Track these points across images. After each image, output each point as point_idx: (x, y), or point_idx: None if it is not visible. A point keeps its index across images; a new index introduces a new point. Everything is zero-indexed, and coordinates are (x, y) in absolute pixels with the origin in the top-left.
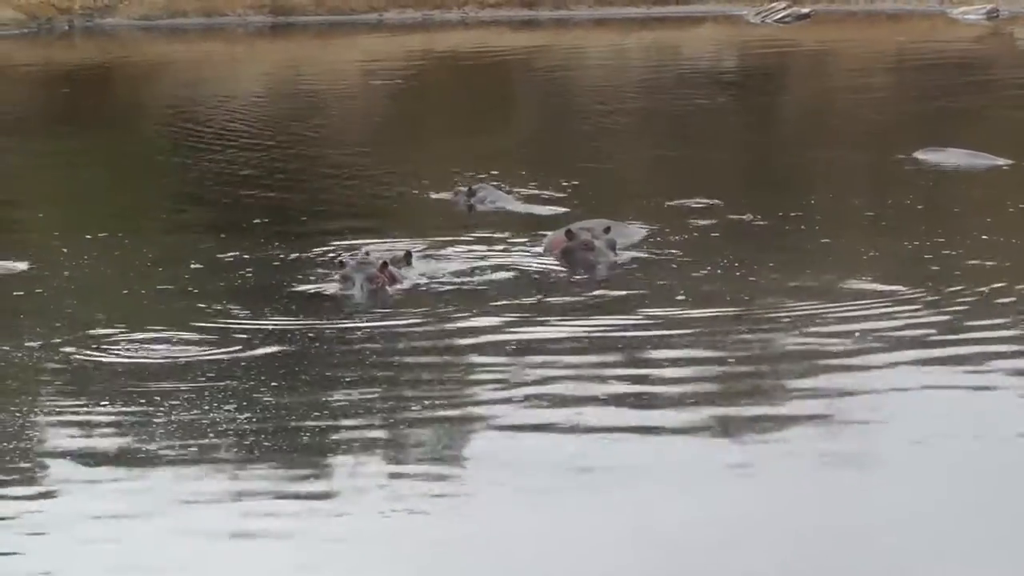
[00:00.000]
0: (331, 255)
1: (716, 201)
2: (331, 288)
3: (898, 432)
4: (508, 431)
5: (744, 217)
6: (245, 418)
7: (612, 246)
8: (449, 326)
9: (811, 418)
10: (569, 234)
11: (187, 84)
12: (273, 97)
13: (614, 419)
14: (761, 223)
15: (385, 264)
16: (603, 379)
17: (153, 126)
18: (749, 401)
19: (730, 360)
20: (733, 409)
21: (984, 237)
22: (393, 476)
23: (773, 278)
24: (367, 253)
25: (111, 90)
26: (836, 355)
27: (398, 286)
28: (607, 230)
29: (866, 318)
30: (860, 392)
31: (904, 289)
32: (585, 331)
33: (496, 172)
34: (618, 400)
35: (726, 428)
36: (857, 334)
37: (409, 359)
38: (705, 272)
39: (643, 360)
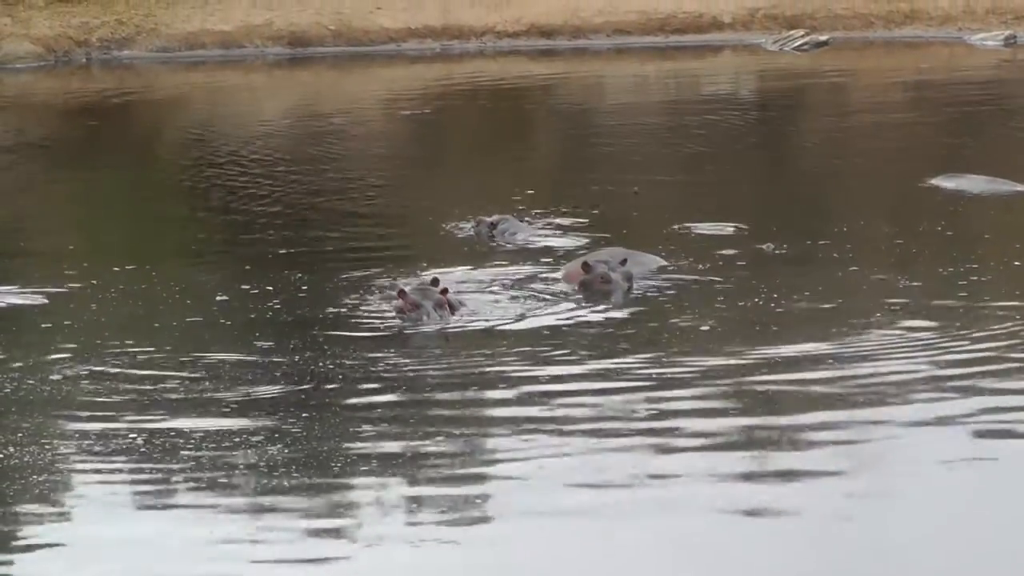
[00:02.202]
0: (377, 284)
1: (738, 229)
2: (386, 315)
3: (931, 471)
4: (526, 466)
5: (766, 246)
6: (276, 450)
7: (629, 278)
8: (469, 359)
9: (837, 456)
10: (586, 267)
11: (208, 116)
12: (293, 129)
13: (634, 461)
14: (785, 251)
15: (446, 290)
16: (622, 417)
17: (175, 158)
18: (773, 442)
19: (754, 395)
20: (752, 450)
21: (1017, 263)
22: (418, 506)
23: (800, 309)
24: (394, 279)
25: (133, 122)
26: (867, 389)
27: (459, 312)
28: (624, 262)
29: (901, 350)
30: (890, 424)
31: (940, 319)
32: (602, 366)
33: (517, 204)
34: (638, 439)
35: (746, 464)
36: (889, 369)
37: (428, 392)
38: (727, 303)
39: (662, 397)
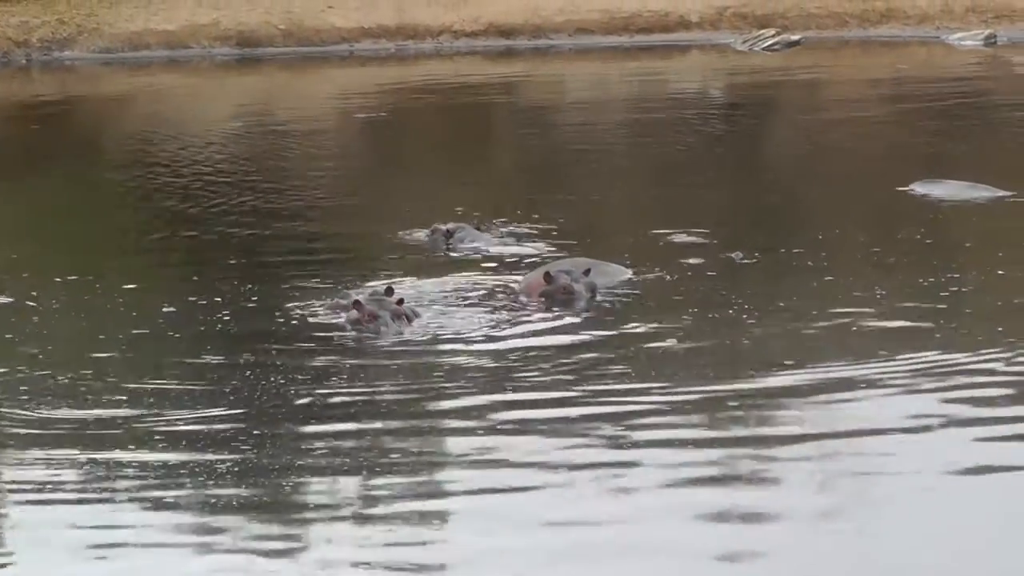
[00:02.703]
0: (327, 297)
1: (706, 237)
2: (339, 327)
3: (906, 483)
4: (483, 491)
5: (736, 254)
6: (225, 468)
7: (592, 289)
8: (427, 377)
9: (813, 484)
10: (547, 277)
11: (153, 120)
12: (243, 133)
13: (597, 492)
14: (756, 260)
15: (402, 300)
16: (584, 436)
17: (119, 164)
18: (742, 452)
19: (723, 416)
20: (724, 463)
21: (1000, 272)
22: (372, 532)
23: (772, 321)
24: (347, 289)
25: (75, 126)
26: (844, 408)
27: (415, 323)
28: (587, 272)
29: (878, 365)
30: (870, 446)
31: (919, 332)
32: (565, 386)
33: (474, 211)
34: (602, 471)
35: (717, 478)
36: (866, 381)
37: (384, 411)
38: (696, 315)
39: (628, 421)
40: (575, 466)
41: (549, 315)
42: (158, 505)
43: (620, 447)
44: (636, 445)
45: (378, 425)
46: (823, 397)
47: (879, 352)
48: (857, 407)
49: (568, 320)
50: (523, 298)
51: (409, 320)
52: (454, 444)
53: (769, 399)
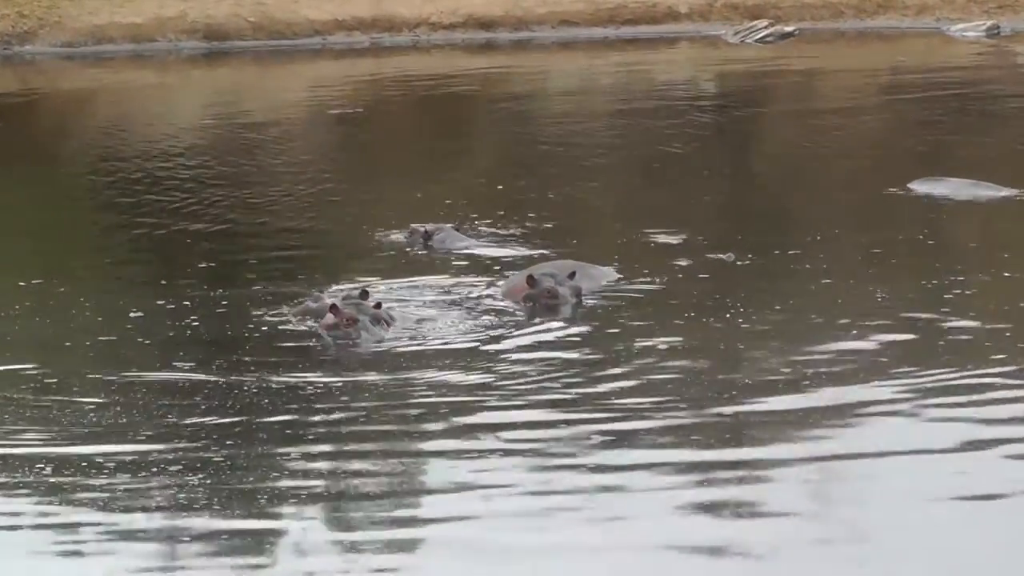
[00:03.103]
0: (299, 299)
1: (696, 238)
2: (313, 331)
3: (912, 510)
4: (463, 518)
5: (727, 255)
6: (196, 482)
7: (577, 293)
8: (406, 383)
9: (806, 494)
10: (531, 280)
11: (118, 117)
12: (211, 131)
13: (583, 499)
14: (749, 262)
15: (380, 304)
16: (570, 452)
17: (83, 163)
18: (733, 475)
19: (716, 435)
20: (715, 488)
21: (1006, 274)
22: (349, 542)
23: (766, 326)
24: (318, 292)
25: (36, 124)
26: (840, 417)
27: (392, 328)
28: (572, 275)
29: (877, 372)
30: (864, 455)
31: (920, 338)
32: (549, 392)
33: (454, 211)
34: (587, 476)
35: (707, 505)
36: (867, 395)
37: (363, 419)
38: (685, 320)
39: (614, 427)
40: (559, 491)
41: (532, 321)
42: (121, 534)
43: (606, 470)
44: (623, 468)
45: (355, 446)
46: (821, 413)
47: (880, 362)
48: (858, 424)
49: (552, 326)
50: (506, 302)
51: (388, 325)
52: (434, 467)
53: (763, 415)
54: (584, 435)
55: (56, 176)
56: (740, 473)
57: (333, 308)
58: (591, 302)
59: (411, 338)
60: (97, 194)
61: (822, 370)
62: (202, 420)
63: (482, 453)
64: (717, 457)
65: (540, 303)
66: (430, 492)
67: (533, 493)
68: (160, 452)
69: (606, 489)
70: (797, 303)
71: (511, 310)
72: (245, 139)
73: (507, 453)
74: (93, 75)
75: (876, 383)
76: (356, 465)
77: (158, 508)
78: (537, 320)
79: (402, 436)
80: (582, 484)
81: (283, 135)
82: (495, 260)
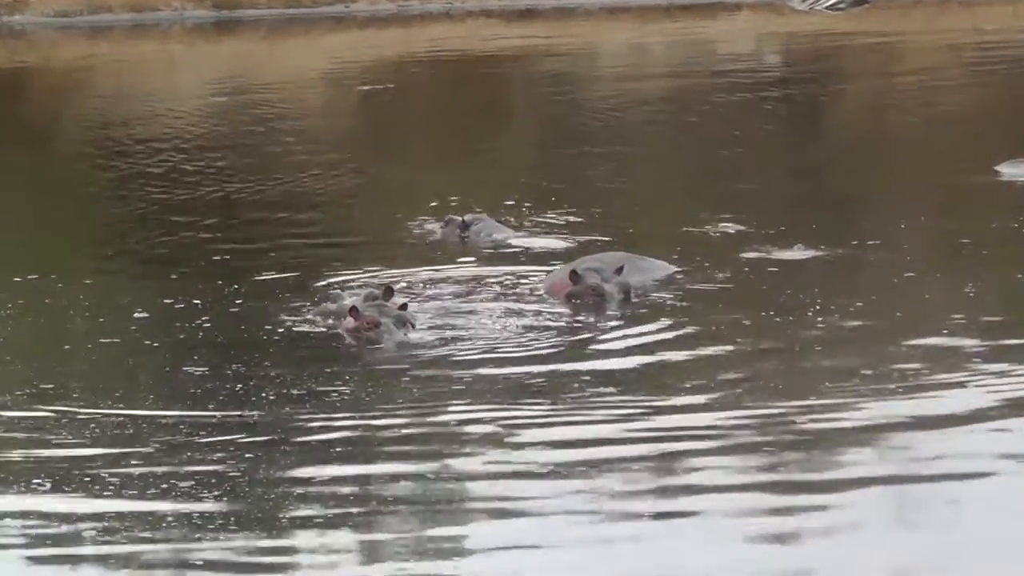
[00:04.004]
0: (311, 302)
1: (763, 228)
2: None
3: (1003, 535)
4: (502, 548)
5: (797, 247)
6: (211, 498)
7: (626, 290)
8: (433, 390)
9: (888, 522)
10: (573, 276)
11: (117, 95)
12: (221, 109)
13: (638, 529)
14: (821, 254)
15: (405, 305)
16: (619, 478)
17: (80, 146)
18: (812, 517)
19: (784, 453)
20: (787, 516)
21: None
22: (376, 552)
23: (840, 327)
24: (338, 290)
25: (28, 102)
26: (924, 433)
27: (416, 330)
28: (620, 270)
29: (966, 380)
30: (950, 478)
31: (1016, 341)
32: (593, 407)
33: (492, 199)
34: (638, 514)
35: (777, 534)
36: (955, 407)
37: (387, 443)
38: (749, 320)
39: (670, 451)
40: (609, 516)
41: (575, 320)
42: (126, 561)
43: (662, 494)
44: (680, 491)
45: (381, 466)
46: (903, 427)
47: (969, 366)
48: (943, 439)
49: (598, 326)
50: (547, 299)
51: (412, 326)
52: (468, 490)
53: (839, 429)
54: (639, 455)
55: (50, 160)
56: (813, 496)
57: (353, 311)
58: (642, 299)
59: (443, 341)
60: (93, 182)
61: (907, 376)
62: (215, 436)
63: (521, 473)
64: (786, 477)
65: (584, 300)
66: (464, 518)
67: (585, 516)
68: (171, 467)
69: (666, 515)
70: (877, 300)
71: (553, 309)
72: (259, 120)
73: (550, 474)
74: (89, 47)
75: (967, 390)
76: (382, 488)
77: (171, 526)
78: (580, 321)
79: (432, 455)
80: (639, 509)
81: (303, 115)
82: (537, 253)
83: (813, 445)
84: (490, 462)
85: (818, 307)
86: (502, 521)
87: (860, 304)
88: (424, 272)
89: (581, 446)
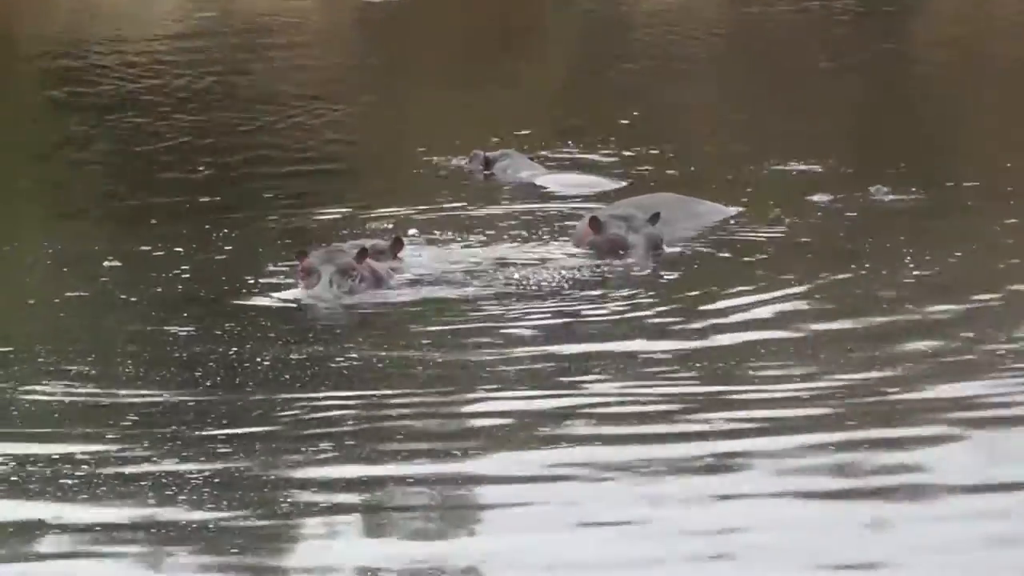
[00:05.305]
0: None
1: (837, 167)
2: (293, 292)
3: None
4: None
5: (876, 188)
6: (198, 477)
7: (655, 243)
8: (432, 352)
9: (978, 520)
10: (594, 224)
11: (83, 16)
12: (206, 32)
13: (698, 546)
14: (905, 199)
15: (364, 252)
16: (663, 471)
17: (41, 80)
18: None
19: (862, 451)
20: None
21: None
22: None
23: (925, 281)
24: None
25: None
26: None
27: (387, 287)
28: (654, 217)
29: None
30: None
31: None
32: (619, 379)
33: (522, 130)
34: (697, 508)
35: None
36: None
37: (376, 400)
38: (816, 273)
39: (729, 450)
40: (665, 530)
41: (595, 276)
42: (102, 498)
43: (718, 501)
44: (737, 497)
45: (393, 446)
46: (1002, 401)
47: None
48: None
49: (618, 285)
50: (576, 250)
51: (367, 281)
52: (485, 495)
53: (926, 404)
54: (686, 456)
55: (8, 95)
56: (899, 506)
57: (299, 255)
58: (691, 248)
59: (446, 297)
60: (58, 111)
61: (1000, 339)
62: (199, 397)
63: (544, 478)
64: (866, 483)
65: (604, 253)
66: (481, 525)
67: (625, 527)
68: (146, 439)
69: (725, 530)
70: (969, 251)
71: (576, 262)
72: (254, 43)
73: (590, 476)
74: None
75: None
76: (399, 472)
77: (150, 504)
78: (600, 276)
79: (448, 438)
80: (695, 527)
81: (302, 35)
82: (570, 194)
83: (901, 423)
84: (504, 460)
85: (899, 258)
86: (491, 461)
87: (947, 255)
88: (436, 215)
89: (606, 441)
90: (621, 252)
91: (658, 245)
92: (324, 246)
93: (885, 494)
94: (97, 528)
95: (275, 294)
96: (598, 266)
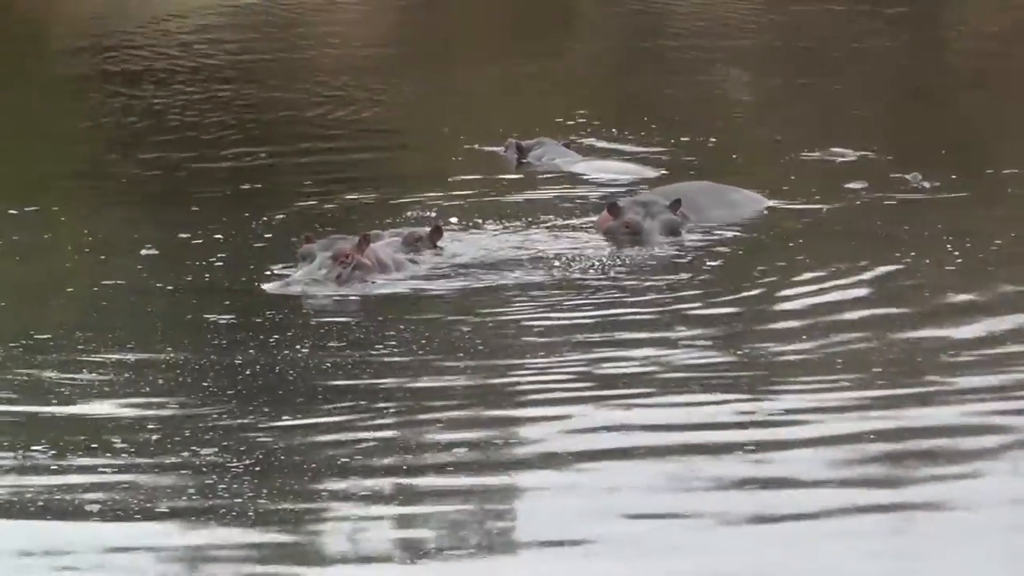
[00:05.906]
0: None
1: (873, 155)
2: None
3: None
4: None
5: (913, 176)
6: (226, 460)
7: (673, 229)
8: (471, 340)
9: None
10: (613, 209)
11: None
12: (231, 16)
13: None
14: (941, 186)
15: (366, 241)
16: (704, 469)
17: (70, 61)
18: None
19: (900, 449)
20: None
21: None
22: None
23: (964, 270)
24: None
25: (9, 15)
26: None
27: (382, 275)
28: (675, 204)
29: None
30: None
31: None
32: (642, 370)
33: (558, 119)
34: (733, 495)
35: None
36: None
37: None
38: (850, 262)
39: (774, 438)
40: (715, 551)
41: (612, 262)
42: (138, 533)
43: (766, 504)
44: (771, 481)
45: (429, 433)
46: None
47: None
48: None
49: (653, 272)
50: (595, 234)
51: (362, 269)
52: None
53: (970, 402)
54: (727, 443)
55: (40, 77)
56: (940, 515)
57: (306, 239)
58: (719, 236)
59: (468, 286)
60: (96, 97)
61: None
62: (232, 387)
63: (582, 467)
64: (903, 497)
65: (620, 239)
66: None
67: (671, 521)
68: (184, 426)
69: (766, 542)
70: (1009, 238)
71: (598, 249)
72: (285, 26)
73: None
74: None
75: None
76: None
77: (187, 503)
78: (635, 264)
79: (486, 425)
80: (736, 545)
81: (334, 19)
82: (603, 182)
83: (934, 437)
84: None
85: (937, 247)
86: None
87: (986, 245)
88: (470, 202)
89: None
90: (633, 236)
91: (675, 231)
92: (332, 232)
93: (927, 481)
94: (137, 516)
95: (266, 283)
96: (626, 254)
